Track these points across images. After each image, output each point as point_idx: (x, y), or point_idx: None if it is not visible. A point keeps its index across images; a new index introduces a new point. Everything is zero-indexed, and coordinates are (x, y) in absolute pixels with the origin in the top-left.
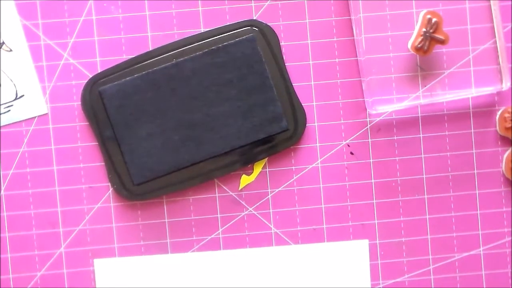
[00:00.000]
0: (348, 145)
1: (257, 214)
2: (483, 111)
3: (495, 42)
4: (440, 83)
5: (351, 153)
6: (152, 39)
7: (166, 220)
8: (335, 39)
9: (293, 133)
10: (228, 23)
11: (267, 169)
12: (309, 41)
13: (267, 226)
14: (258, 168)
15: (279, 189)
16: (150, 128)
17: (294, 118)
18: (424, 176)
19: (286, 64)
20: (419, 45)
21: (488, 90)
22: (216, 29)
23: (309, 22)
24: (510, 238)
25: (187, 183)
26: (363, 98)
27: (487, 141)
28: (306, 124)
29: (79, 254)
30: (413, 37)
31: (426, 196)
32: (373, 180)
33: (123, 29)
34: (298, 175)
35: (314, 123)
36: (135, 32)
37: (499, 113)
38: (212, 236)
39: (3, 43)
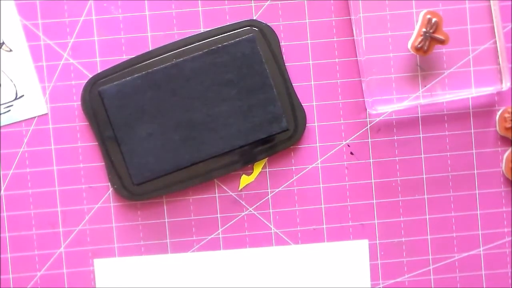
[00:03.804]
0: (348, 145)
1: (257, 214)
2: (483, 111)
3: (495, 42)
4: (440, 83)
5: (351, 153)
6: (152, 39)
7: (166, 220)
8: (335, 39)
9: (293, 133)
10: (228, 23)
11: (267, 169)
12: (309, 41)
13: (267, 226)
14: (258, 168)
15: (279, 189)
16: (150, 128)
17: (294, 118)
18: (424, 176)
19: (286, 64)
20: (419, 45)
21: (488, 90)
22: (216, 29)
23: (309, 22)
24: (510, 238)
25: (187, 183)
26: (363, 98)
27: (487, 141)
28: (306, 124)
29: (79, 254)
30: (413, 37)
31: (426, 196)
32: (373, 180)
33: (123, 29)
34: (298, 175)
35: (314, 123)
36: (135, 32)
37: (499, 113)
38: (212, 236)
39: (3, 43)
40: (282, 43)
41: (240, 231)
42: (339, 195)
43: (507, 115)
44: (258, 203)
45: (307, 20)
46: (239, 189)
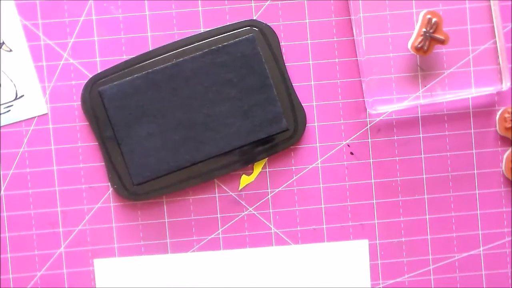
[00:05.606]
0: (348, 145)
1: (257, 214)
2: (483, 111)
3: (495, 42)
4: (440, 83)
5: (351, 153)
6: (152, 39)
7: (166, 220)
8: (335, 39)
9: (293, 133)
10: (228, 23)
11: (267, 169)
12: (309, 41)
13: (267, 226)
14: (258, 168)
15: (279, 189)
16: (150, 128)
17: (294, 118)
18: (424, 176)
19: (286, 64)
20: (419, 45)
21: (488, 90)
22: (216, 29)
23: (309, 22)
24: (510, 238)
25: (187, 183)
26: (363, 98)
27: (487, 141)
28: (306, 124)
29: (79, 254)
30: (413, 37)
31: (426, 196)
32: (373, 180)
33: (123, 29)
34: (298, 175)
35: (314, 123)
36: (135, 32)
37: (499, 113)
38: (212, 236)
39: (3, 43)
40: (282, 43)
41: (240, 231)
42: (339, 195)
43: (507, 115)
44: (258, 203)
45: (307, 20)
46: (239, 189)
